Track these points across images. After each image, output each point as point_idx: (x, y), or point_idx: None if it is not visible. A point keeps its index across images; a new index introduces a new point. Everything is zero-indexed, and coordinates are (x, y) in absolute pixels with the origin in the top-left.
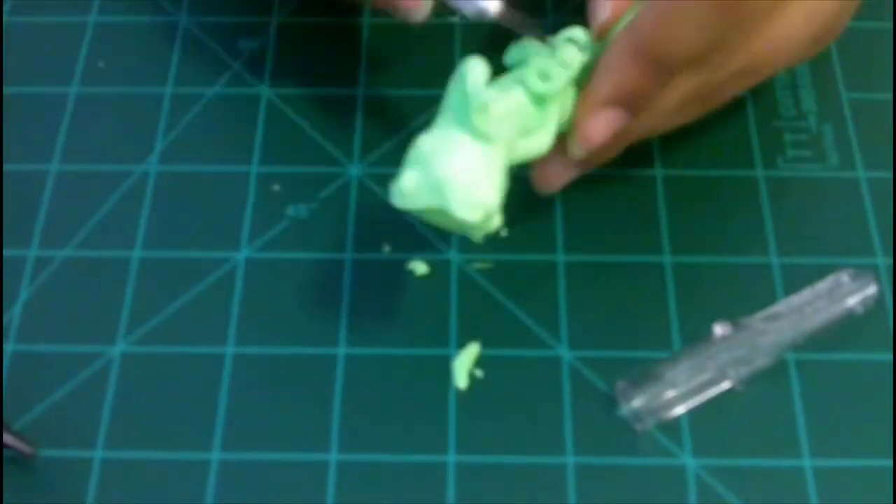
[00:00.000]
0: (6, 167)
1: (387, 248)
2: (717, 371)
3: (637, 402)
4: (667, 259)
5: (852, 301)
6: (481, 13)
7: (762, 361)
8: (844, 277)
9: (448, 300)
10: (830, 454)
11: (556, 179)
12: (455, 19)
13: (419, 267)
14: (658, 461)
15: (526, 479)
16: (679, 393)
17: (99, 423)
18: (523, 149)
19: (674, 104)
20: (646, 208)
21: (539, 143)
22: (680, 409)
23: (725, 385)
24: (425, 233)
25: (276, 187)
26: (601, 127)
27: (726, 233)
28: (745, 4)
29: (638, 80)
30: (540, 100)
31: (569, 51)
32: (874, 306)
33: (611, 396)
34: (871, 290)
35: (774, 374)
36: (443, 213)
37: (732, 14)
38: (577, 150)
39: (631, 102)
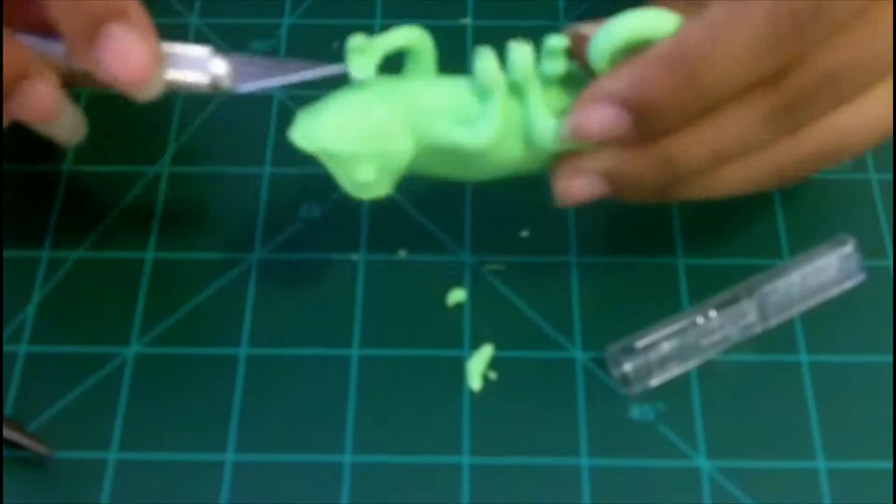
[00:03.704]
0: (19, 168)
1: (402, 252)
2: (707, 337)
3: (627, 367)
4: (680, 260)
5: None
6: (215, 80)
7: (754, 326)
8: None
9: (461, 302)
10: (844, 456)
11: (580, 195)
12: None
13: (455, 294)
14: (672, 463)
15: (540, 481)
16: (669, 357)
17: (113, 425)
18: (458, 136)
19: (731, 150)
20: (659, 209)
21: (477, 135)
22: (670, 374)
23: (714, 353)
24: (439, 234)
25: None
26: (596, 120)
27: (739, 234)
28: (818, 21)
29: (661, 87)
30: (482, 92)
31: (488, 69)
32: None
33: (625, 398)
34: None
35: (788, 374)
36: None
37: (790, 41)
38: (563, 131)
39: (642, 109)
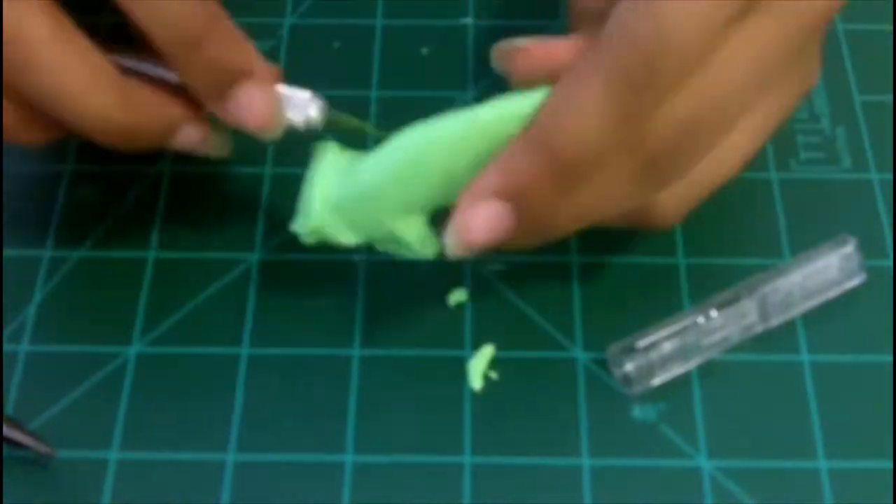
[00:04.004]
0: (20, 168)
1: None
2: (707, 337)
3: (628, 367)
4: (681, 260)
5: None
6: (307, 120)
7: (755, 326)
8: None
9: (462, 302)
10: (846, 456)
11: (486, 231)
12: None
13: (457, 294)
14: (673, 462)
15: (541, 481)
16: (670, 357)
17: (114, 424)
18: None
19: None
20: None
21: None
22: (671, 374)
23: (715, 352)
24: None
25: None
26: (480, 221)
27: (740, 234)
28: (655, 80)
29: (529, 171)
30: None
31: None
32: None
33: (626, 398)
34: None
35: (789, 374)
36: None
37: (633, 104)
38: (452, 244)
39: (520, 198)
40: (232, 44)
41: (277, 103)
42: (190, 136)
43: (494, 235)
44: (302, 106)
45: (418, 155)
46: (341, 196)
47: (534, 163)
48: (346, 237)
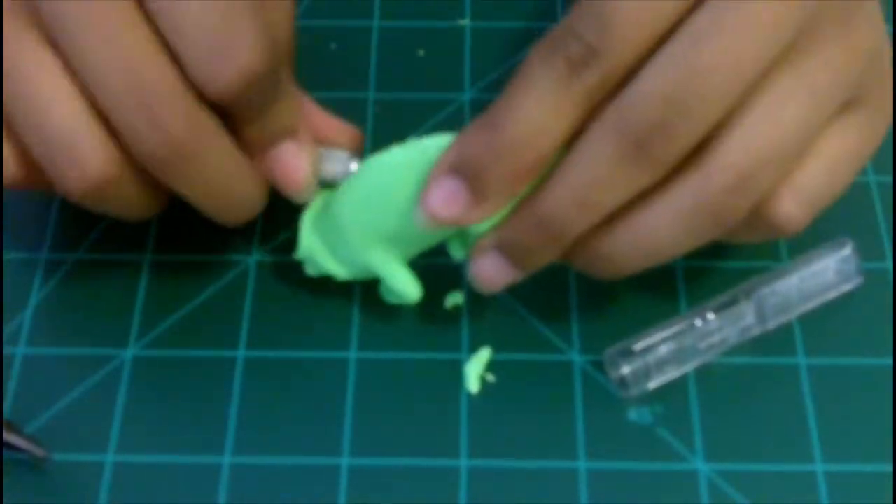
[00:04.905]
0: None
1: None
2: (704, 339)
3: (625, 370)
4: (677, 263)
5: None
6: (346, 171)
7: (752, 329)
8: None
9: (459, 305)
10: (842, 458)
11: (493, 277)
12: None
13: (454, 297)
14: (670, 465)
15: (537, 484)
16: (667, 360)
17: (110, 427)
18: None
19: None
20: None
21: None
22: (667, 377)
23: (712, 355)
24: None
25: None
26: (438, 193)
27: None
28: (586, 72)
29: (475, 143)
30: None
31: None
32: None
33: (623, 401)
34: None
35: (786, 377)
36: None
37: (573, 82)
38: (418, 220)
39: (471, 172)
40: (282, 102)
41: (314, 166)
42: (293, 162)
43: (453, 209)
44: (339, 164)
45: (376, 182)
46: (321, 226)
47: (480, 138)
48: (335, 269)
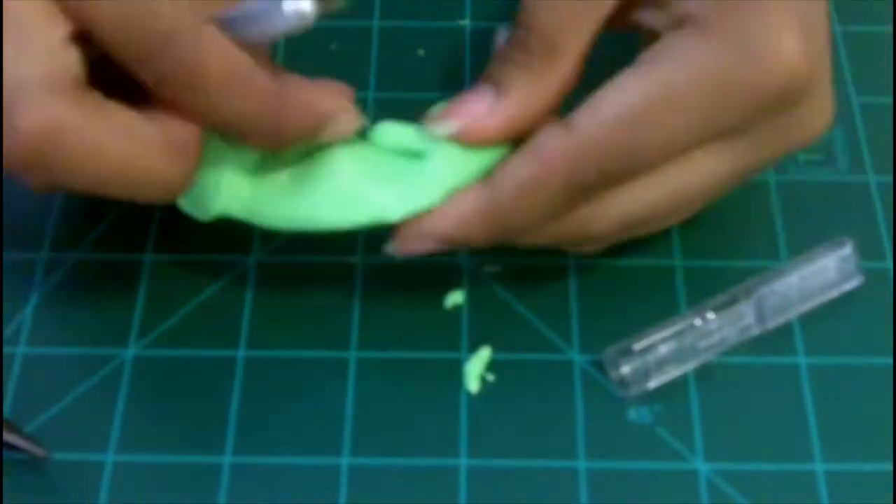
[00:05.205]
0: None
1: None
2: (704, 339)
3: (625, 369)
4: (677, 262)
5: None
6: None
7: (752, 328)
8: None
9: (459, 304)
10: (842, 458)
11: (421, 253)
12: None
13: (453, 296)
14: (670, 465)
15: (537, 483)
16: (667, 359)
17: (111, 427)
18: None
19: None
20: None
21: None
22: (667, 377)
23: (712, 355)
24: None
25: None
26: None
27: (737, 236)
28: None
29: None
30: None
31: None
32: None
33: (622, 400)
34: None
35: (786, 376)
36: None
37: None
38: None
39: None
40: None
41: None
42: (342, 128)
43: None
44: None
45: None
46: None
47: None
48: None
